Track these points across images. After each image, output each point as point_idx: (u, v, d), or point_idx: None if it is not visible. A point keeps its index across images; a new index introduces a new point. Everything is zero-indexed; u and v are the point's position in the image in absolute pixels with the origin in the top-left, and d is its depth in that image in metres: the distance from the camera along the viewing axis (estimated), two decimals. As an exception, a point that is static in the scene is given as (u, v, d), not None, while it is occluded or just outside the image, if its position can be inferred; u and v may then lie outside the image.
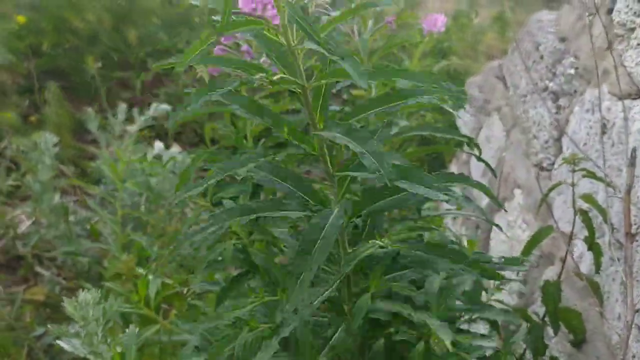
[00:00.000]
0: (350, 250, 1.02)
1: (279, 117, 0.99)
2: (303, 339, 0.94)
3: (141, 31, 4.44)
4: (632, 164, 0.91)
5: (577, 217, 1.07)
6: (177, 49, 4.75)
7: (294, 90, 0.94)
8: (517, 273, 1.55)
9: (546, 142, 1.48)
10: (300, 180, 0.99)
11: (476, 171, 2.08)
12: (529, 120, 1.61)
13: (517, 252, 1.56)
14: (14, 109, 3.74)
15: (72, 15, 4.18)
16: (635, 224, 0.92)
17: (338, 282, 0.96)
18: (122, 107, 2.97)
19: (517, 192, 1.63)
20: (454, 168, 2.43)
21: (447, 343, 0.87)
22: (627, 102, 1.12)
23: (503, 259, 1.01)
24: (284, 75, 0.90)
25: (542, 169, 1.49)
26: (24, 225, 2.98)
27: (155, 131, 3.94)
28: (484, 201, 1.95)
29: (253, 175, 0.99)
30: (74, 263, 2.61)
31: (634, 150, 0.91)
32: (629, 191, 0.90)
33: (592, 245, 1.08)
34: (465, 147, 1.32)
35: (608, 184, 0.98)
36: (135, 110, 3.06)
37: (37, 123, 3.78)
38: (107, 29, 4.26)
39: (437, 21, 2.81)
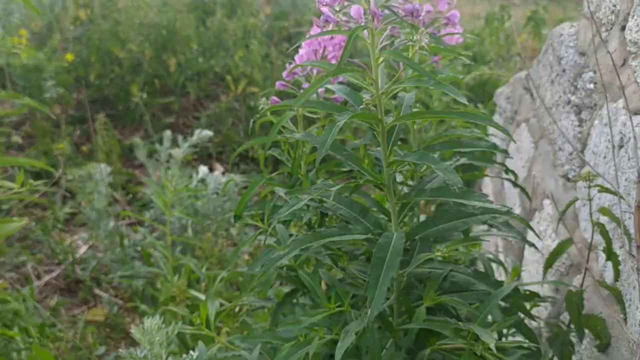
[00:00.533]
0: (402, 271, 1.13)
1: (354, 154, 1.12)
2: (373, 343, 1.03)
3: (180, 57, 4.63)
4: (639, 181, 0.97)
5: (595, 228, 1.13)
6: (214, 72, 4.95)
7: (373, 127, 1.07)
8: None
9: (570, 154, 1.53)
10: (365, 209, 1.12)
11: (508, 184, 2.13)
12: (555, 132, 1.67)
13: (548, 261, 1.62)
14: (67, 139, 3.97)
15: (115, 47, 4.40)
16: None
17: (395, 293, 1.08)
18: (167, 133, 3.13)
19: (546, 202, 1.68)
20: (487, 182, 2.48)
21: (492, 345, 0.95)
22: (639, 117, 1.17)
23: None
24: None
25: (568, 179, 1.54)
26: (82, 250, 3.18)
27: (198, 154, 4.12)
28: (518, 210, 2.00)
29: (324, 201, 1.12)
30: (129, 285, 2.77)
31: (642, 169, 0.97)
32: (639, 206, 0.96)
33: (610, 255, 1.14)
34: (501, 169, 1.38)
35: (621, 197, 1.04)
36: (179, 137, 3.23)
37: (88, 152, 4.00)
38: (149, 58, 4.47)
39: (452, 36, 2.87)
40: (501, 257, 2.04)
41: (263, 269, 1.18)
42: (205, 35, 4.92)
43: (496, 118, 2.45)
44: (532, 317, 1.23)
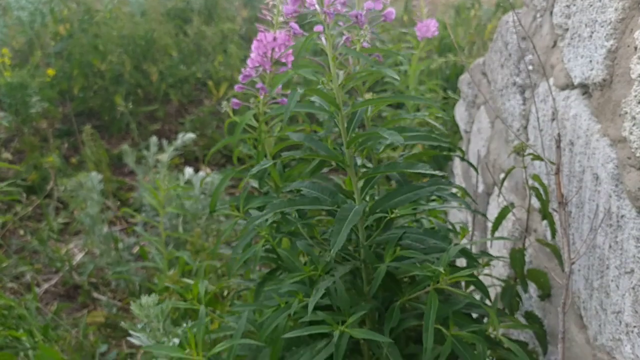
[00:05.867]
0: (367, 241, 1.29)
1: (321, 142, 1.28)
2: (340, 289, 1.18)
3: (160, 66, 4.76)
4: (558, 146, 1.12)
5: (531, 192, 1.29)
6: (196, 78, 5.08)
7: (334, 116, 1.22)
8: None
9: (518, 130, 1.69)
10: (334, 192, 1.30)
11: (473, 162, 2.29)
12: (506, 111, 1.83)
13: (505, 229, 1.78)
14: (56, 152, 4.09)
15: (96, 60, 4.52)
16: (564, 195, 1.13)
17: (362, 258, 1.23)
18: (154, 139, 3.27)
19: (502, 176, 1.84)
20: (457, 163, 2.64)
21: (443, 268, 1.09)
22: (564, 92, 1.33)
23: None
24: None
25: (518, 154, 1.70)
26: (78, 257, 3.30)
27: (184, 157, 4.26)
28: (481, 187, 2.16)
29: (301, 190, 1.29)
30: (126, 285, 2.91)
31: (559, 135, 1.12)
32: (558, 168, 1.11)
33: (545, 215, 1.29)
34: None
35: (551, 162, 1.19)
36: (165, 141, 3.36)
37: (77, 163, 4.13)
38: (129, 68, 4.60)
39: (429, 27, 3.02)
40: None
41: (246, 232, 1.33)
42: (184, 42, 5.05)
43: (460, 103, 2.61)
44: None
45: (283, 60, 1.32)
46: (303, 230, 1.34)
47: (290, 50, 1.33)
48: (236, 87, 1.46)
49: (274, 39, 1.33)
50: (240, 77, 1.43)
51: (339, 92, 1.25)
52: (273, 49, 1.36)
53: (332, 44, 1.21)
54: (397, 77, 1.08)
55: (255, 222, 1.24)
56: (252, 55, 1.40)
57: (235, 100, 1.45)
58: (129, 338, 1.25)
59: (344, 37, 1.20)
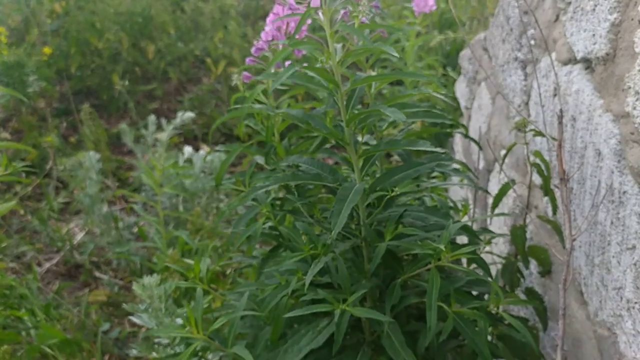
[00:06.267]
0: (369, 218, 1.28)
1: (320, 119, 1.27)
2: (341, 267, 1.18)
3: (158, 43, 4.71)
4: (560, 122, 1.11)
5: (532, 168, 1.28)
6: (194, 55, 5.03)
7: (333, 94, 1.21)
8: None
9: (519, 105, 1.68)
10: (334, 169, 1.30)
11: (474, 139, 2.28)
12: (507, 87, 1.81)
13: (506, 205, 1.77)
14: (54, 131, 4.07)
15: (93, 37, 4.48)
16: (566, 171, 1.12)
17: (363, 235, 1.23)
18: (152, 118, 3.24)
19: (503, 152, 1.83)
20: (457, 140, 2.62)
21: (444, 246, 1.09)
22: (566, 67, 1.31)
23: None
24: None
25: (519, 130, 1.68)
26: (79, 237, 3.31)
27: (184, 136, 4.24)
28: (481, 164, 2.15)
29: (300, 166, 1.29)
30: (127, 264, 2.92)
31: (561, 111, 1.11)
32: (560, 144, 1.10)
33: (547, 191, 1.29)
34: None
35: (553, 139, 1.18)
36: (164, 120, 3.34)
37: (76, 143, 4.11)
38: (126, 46, 4.55)
39: (427, 1, 2.98)
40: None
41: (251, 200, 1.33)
42: (182, 19, 4.99)
43: (461, 79, 2.58)
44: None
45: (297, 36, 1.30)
46: (303, 208, 1.33)
47: (305, 25, 1.31)
48: (248, 60, 1.44)
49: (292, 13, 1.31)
50: (252, 50, 1.41)
51: (338, 68, 1.23)
52: (288, 24, 1.34)
53: (330, 20, 1.19)
54: (396, 54, 1.06)
55: (255, 194, 1.23)
56: (267, 28, 1.38)
57: (246, 73, 1.43)
58: (130, 317, 1.26)
59: (342, 12, 1.18)
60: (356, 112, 1.22)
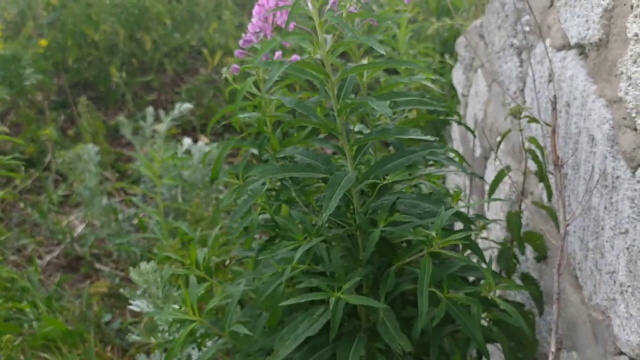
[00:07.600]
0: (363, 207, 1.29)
1: (312, 109, 1.27)
2: (335, 255, 1.20)
3: (154, 34, 4.69)
4: (553, 108, 1.11)
5: (527, 154, 1.28)
6: (190, 46, 5.02)
7: (324, 84, 1.21)
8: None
9: (515, 92, 1.68)
10: (327, 159, 1.31)
11: (471, 126, 2.28)
12: (503, 74, 1.81)
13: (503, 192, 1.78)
14: (52, 124, 4.07)
15: (89, 29, 4.46)
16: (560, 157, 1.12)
17: (358, 223, 1.24)
18: (150, 110, 3.25)
19: (499, 139, 1.83)
20: (454, 127, 2.62)
21: (435, 232, 1.10)
22: (561, 53, 1.31)
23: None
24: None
25: (514, 116, 1.69)
26: (79, 229, 3.32)
27: (182, 127, 4.24)
28: (478, 151, 2.16)
29: (294, 157, 1.29)
30: (128, 255, 2.93)
31: (555, 97, 1.11)
32: (554, 130, 1.10)
33: (542, 177, 1.29)
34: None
35: (547, 125, 1.18)
36: (161, 112, 3.35)
37: (74, 135, 4.11)
38: (123, 38, 4.54)
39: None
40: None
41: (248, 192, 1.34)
42: (177, 10, 4.97)
43: (458, 66, 2.58)
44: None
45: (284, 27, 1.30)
46: (299, 198, 1.34)
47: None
48: (236, 52, 1.44)
49: (276, 4, 1.31)
50: (240, 42, 1.41)
51: (328, 58, 1.23)
52: (274, 14, 1.34)
53: (319, 10, 1.19)
54: (380, 47, 1.07)
55: (250, 187, 1.24)
56: (253, 20, 1.38)
57: (235, 66, 1.43)
58: (129, 306, 1.27)
59: (331, 1, 1.18)
60: (349, 101, 1.22)
